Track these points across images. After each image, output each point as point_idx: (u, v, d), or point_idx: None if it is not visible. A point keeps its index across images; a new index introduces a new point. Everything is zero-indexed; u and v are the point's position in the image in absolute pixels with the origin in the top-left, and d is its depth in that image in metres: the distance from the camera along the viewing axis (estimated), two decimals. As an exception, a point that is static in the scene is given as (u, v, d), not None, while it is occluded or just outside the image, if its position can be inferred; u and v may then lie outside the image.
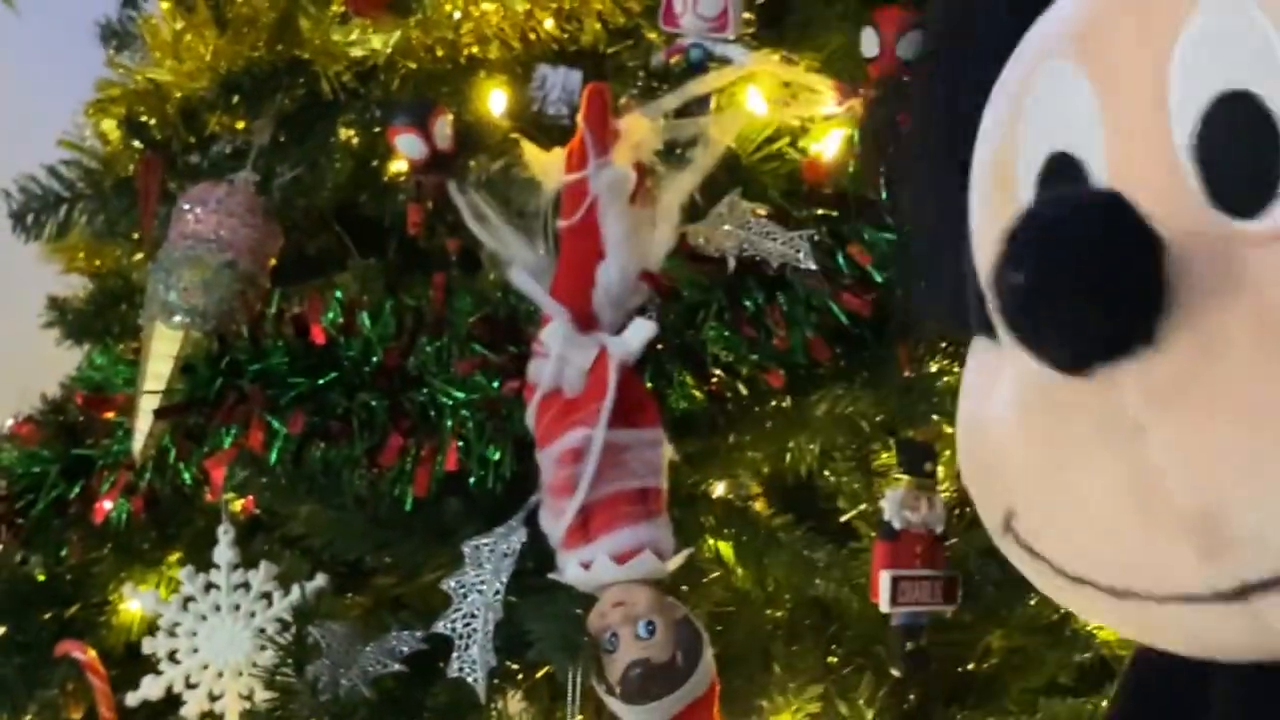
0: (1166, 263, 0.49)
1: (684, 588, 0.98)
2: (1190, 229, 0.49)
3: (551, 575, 0.95)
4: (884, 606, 1.00)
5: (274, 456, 1.02)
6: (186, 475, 1.10)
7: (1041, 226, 0.48)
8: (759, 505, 1.14)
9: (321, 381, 1.02)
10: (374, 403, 1.01)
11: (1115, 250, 0.47)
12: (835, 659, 1.15)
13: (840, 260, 1.00)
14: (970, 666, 1.23)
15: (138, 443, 1.09)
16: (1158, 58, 0.51)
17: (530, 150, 1.06)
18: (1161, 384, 0.49)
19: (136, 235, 1.28)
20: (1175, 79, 0.51)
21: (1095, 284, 0.47)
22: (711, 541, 1.09)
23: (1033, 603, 1.11)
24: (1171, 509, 0.49)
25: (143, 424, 1.08)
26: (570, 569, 0.93)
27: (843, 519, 1.13)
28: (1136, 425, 0.50)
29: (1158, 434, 0.49)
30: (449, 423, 1.01)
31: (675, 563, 0.94)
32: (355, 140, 1.22)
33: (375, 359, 1.02)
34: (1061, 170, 0.55)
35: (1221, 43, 0.50)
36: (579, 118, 1.02)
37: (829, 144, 1.09)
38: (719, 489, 1.16)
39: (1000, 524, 0.59)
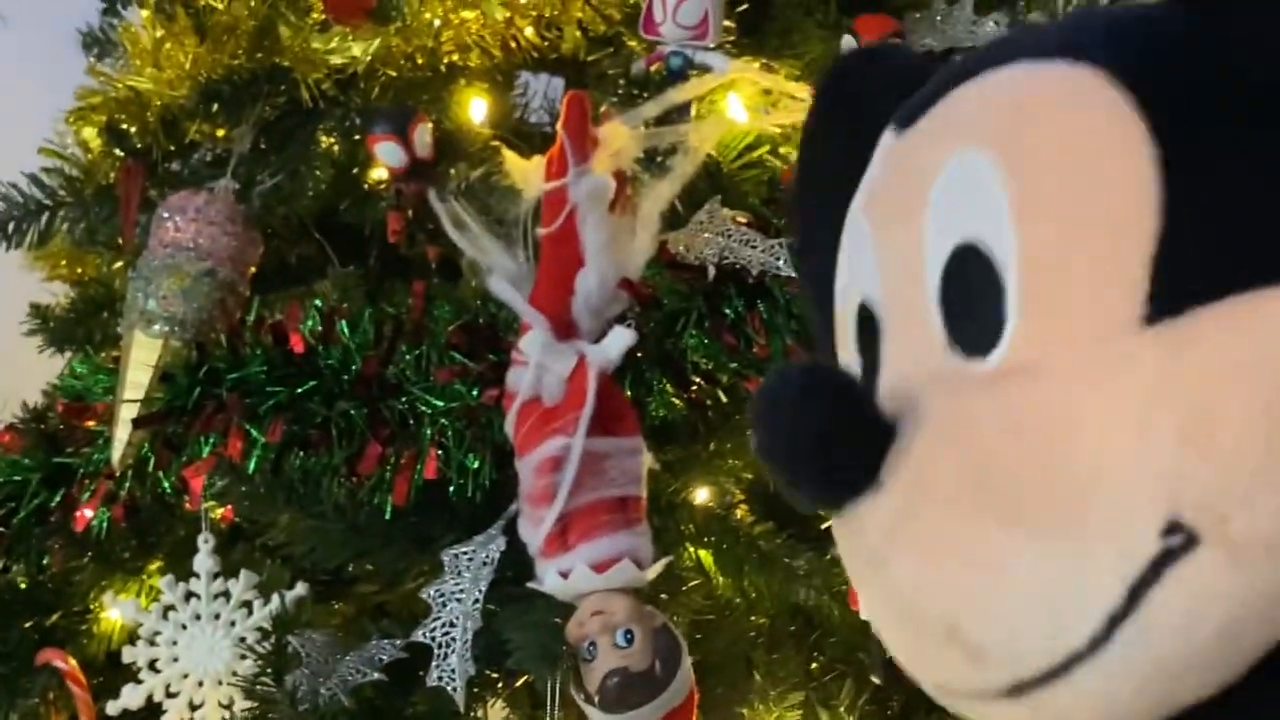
0: (898, 408, 0.54)
1: (663, 596, 0.98)
2: (934, 372, 0.54)
3: (530, 584, 0.95)
4: (864, 614, 0.99)
5: (253, 465, 1.02)
6: (166, 484, 1.10)
7: (759, 400, 0.54)
8: (740, 512, 1.13)
9: (300, 390, 1.01)
10: (353, 411, 1.01)
11: (811, 416, 0.52)
12: (817, 666, 1.15)
13: (820, 267, 0.99)
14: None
15: (116, 451, 1.09)
16: (917, 216, 0.56)
17: (510, 158, 1.06)
18: (889, 522, 0.53)
19: (118, 243, 1.28)
20: (927, 234, 0.55)
21: (800, 447, 0.52)
22: (691, 549, 1.09)
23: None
24: (927, 625, 0.54)
25: (121, 433, 1.08)
26: (549, 578, 0.93)
27: (824, 526, 1.12)
28: (880, 556, 0.54)
29: (894, 565, 0.54)
30: (428, 431, 1.01)
31: (654, 571, 0.94)
32: (336, 148, 1.21)
33: (354, 367, 1.02)
34: (864, 320, 0.60)
35: (957, 198, 0.54)
36: (558, 125, 1.02)
37: (809, 151, 1.08)
38: (701, 496, 1.16)
39: None
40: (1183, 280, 0.49)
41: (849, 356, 0.61)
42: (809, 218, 0.67)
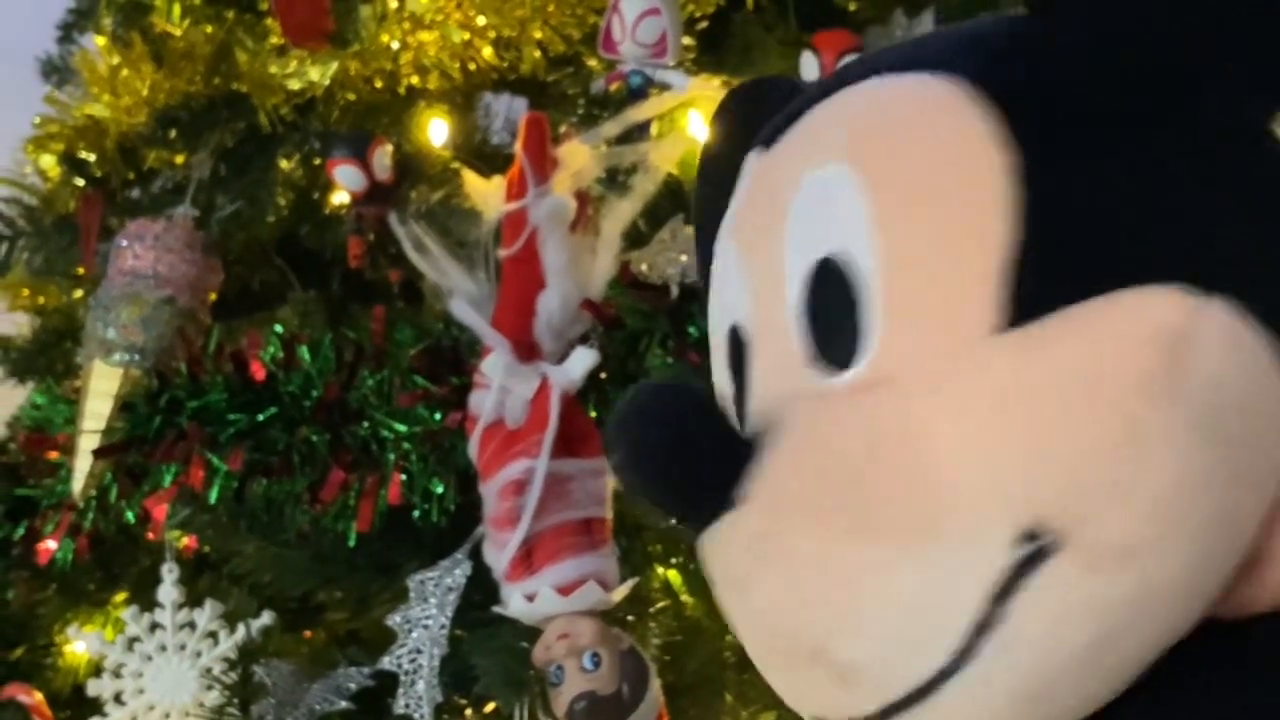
0: (761, 427, 0.53)
1: (630, 618, 0.97)
2: (796, 389, 0.53)
3: (496, 608, 0.94)
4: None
5: (215, 494, 1.01)
6: (129, 514, 1.09)
7: (609, 422, 0.53)
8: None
9: (261, 417, 1.01)
10: (315, 437, 1.00)
11: (654, 436, 0.52)
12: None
13: (783, 284, 0.99)
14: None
15: (77, 482, 1.08)
16: (778, 234, 0.55)
17: (471, 180, 1.06)
18: (750, 541, 0.52)
19: (78, 272, 1.27)
20: (787, 251, 0.54)
21: (648, 467, 0.52)
22: (660, 570, 1.08)
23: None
24: (794, 647, 0.52)
25: (82, 463, 1.07)
26: (514, 602, 0.92)
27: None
28: (744, 577, 0.53)
29: (759, 586, 0.53)
30: (391, 456, 1.00)
31: (620, 593, 0.93)
32: (296, 173, 1.21)
33: (315, 393, 1.01)
34: (735, 344, 0.58)
35: (815, 213, 0.53)
36: (517, 146, 1.02)
37: (771, 168, 1.08)
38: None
39: None
40: (1033, 287, 0.49)
41: (723, 383, 0.60)
42: (706, 253, 0.65)
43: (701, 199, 0.68)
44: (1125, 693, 0.50)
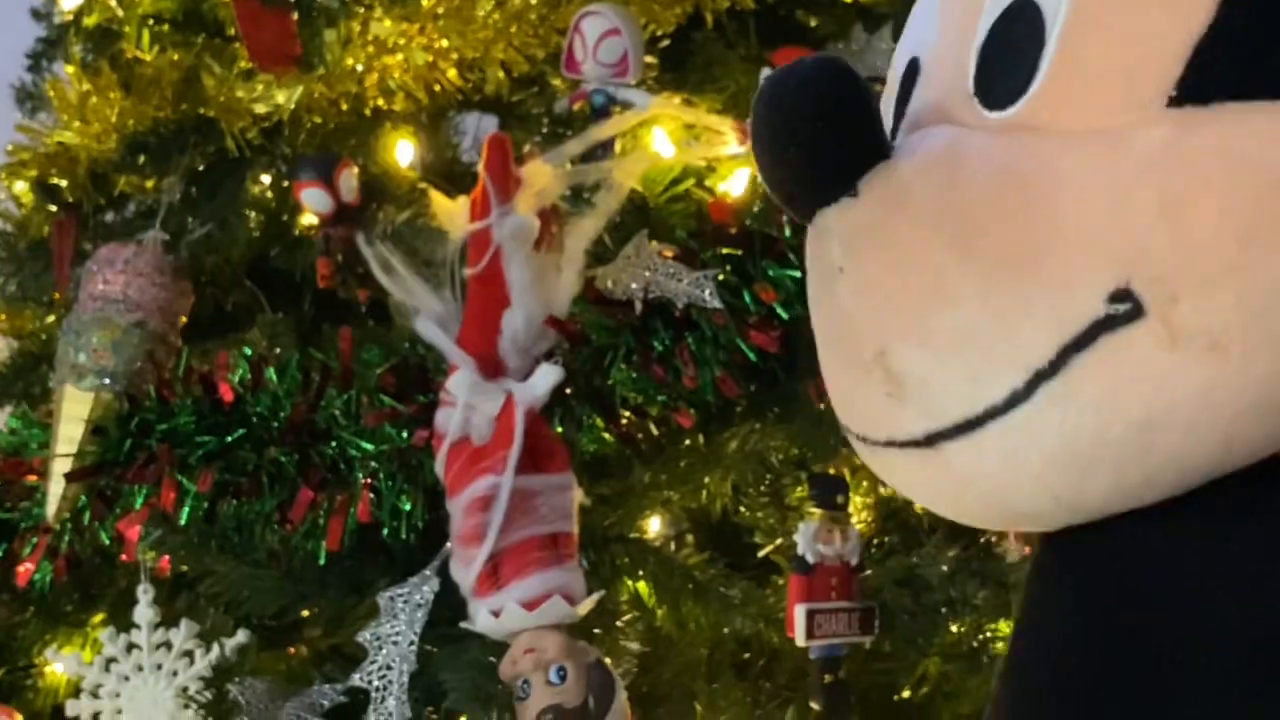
0: (903, 138, 0.56)
1: (597, 631, 0.98)
2: (949, 114, 0.56)
3: (464, 624, 0.95)
4: (800, 640, 1.00)
5: (185, 515, 1.02)
6: (104, 536, 1.10)
7: (768, 89, 0.54)
8: (676, 544, 1.14)
9: (230, 438, 1.02)
10: (283, 458, 1.01)
11: (817, 109, 0.53)
12: (763, 694, 1.16)
13: (747, 298, 1.00)
14: (906, 694, 1.23)
15: (51, 506, 1.09)
16: None
17: (437, 200, 1.07)
18: (854, 231, 0.54)
19: (55, 296, 1.28)
20: None
21: (797, 137, 0.53)
22: (630, 583, 1.09)
23: (952, 630, 1.11)
24: (861, 350, 0.54)
25: (55, 487, 1.08)
26: (481, 617, 0.93)
27: (760, 554, 1.13)
28: (835, 268, 0.55)
29: (847, 277, 0.54)
30: (359, 475, 1.01)
31: (586, 607, 0.94)
32: (267, 194, 1.22)
33: (283, 414, 1.02)
34: (910, 73, 0.60)
35: None
36: (480, 167, 1.03)
37: (734, 183, 1.10)
38: (655, 527, 1.16)
39: None
40: (1220, 73, 0.49)
41: (885, 117, 0.61)
42: None
43: None
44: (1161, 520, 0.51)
